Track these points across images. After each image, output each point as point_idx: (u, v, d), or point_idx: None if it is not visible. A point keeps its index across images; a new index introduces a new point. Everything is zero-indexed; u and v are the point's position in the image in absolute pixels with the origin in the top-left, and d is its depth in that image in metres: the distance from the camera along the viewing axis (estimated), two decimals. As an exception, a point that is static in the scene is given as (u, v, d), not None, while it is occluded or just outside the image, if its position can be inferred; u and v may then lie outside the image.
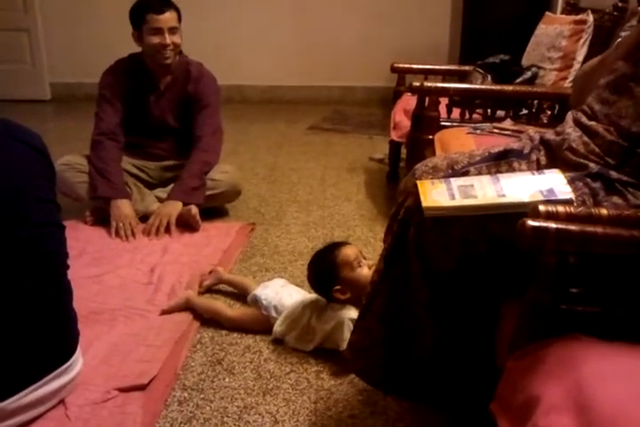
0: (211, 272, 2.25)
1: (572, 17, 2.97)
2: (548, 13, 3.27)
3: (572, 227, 0.98)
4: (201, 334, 1.93)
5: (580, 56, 2.78)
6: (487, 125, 2.40)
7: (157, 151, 2.91)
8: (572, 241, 0.98)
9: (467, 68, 3.24)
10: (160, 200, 2.76)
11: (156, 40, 2.68)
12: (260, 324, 1.93)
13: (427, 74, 3.35)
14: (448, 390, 1.43)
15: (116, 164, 2.74)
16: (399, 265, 1.33)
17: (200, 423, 1.54)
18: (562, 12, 3.40)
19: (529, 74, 2.88)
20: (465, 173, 1.39)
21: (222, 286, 2.21)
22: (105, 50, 3.95)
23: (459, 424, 1.51)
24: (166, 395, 1.63)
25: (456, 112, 2.60)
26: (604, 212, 1.03)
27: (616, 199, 1.22)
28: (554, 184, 1.18)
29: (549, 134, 1.44)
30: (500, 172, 1.38)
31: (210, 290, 2.20)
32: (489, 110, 2.57)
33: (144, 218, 2.68)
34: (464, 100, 2.63)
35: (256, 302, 1.96)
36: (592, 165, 1.28)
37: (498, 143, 1.56)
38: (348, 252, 1.85)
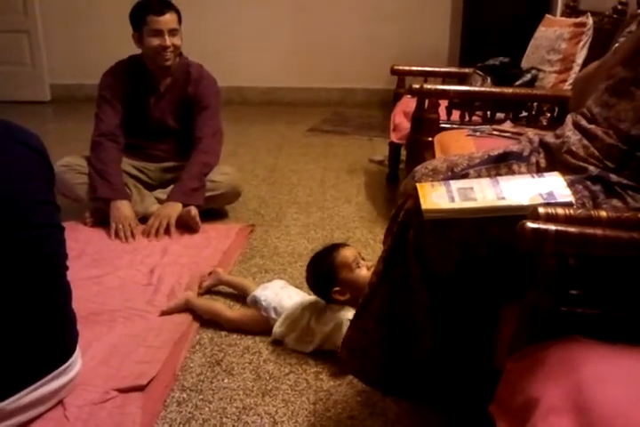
0: (210, 273, 2.25)
1: (571, 19, 2.97)
2: (547, 16, 3.28)
3: (572, 229, 0.98)
4: (200, 335, 1.93)
5: (580, 59, 2.79)
6: (487, 128, 2.40)
7: (157, 153, 2.91)
8: (572, 243, 0.99)
9: (466, 70, 3.25)
10: (160, 201, 2.76)
11: (156, 42, 2.68)
12: (259, 325, 1.93)
13: (426, 76, 3.36)
14: (447, 392, 1.43)
15: (115, 165, 2.74)
16: (399, 267, 1.33)
17: (199, 424, 1.54)
18: (562, 15, 3.40)
19: (528, 76, 2.88)
20: (464, 176, 1.39)
21: (222, 288, 2.21)
22: (105, 51, 3.96)
23: (458, 426, 1.51)
24: (165, 396, 1.63)
25: (456, 114, 2.60)
26: (603, 214, 1.03)
27: (615, 202, 1.23)
28: (554, 187, 1.18)
29: (549, 137, 1.45)
30: (500, 174, 1.38)
31: (209, 291, 2.20)
32: (489, 113, 2.58)
33: (144, 219, 2.68)
34: (464, 103, 2.63)
35: (255, 304, 1.97)
36: (592, 168, 1.29)
37: (497, 146, 1.56)
38: (347, 253, 1.85)
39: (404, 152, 3.09)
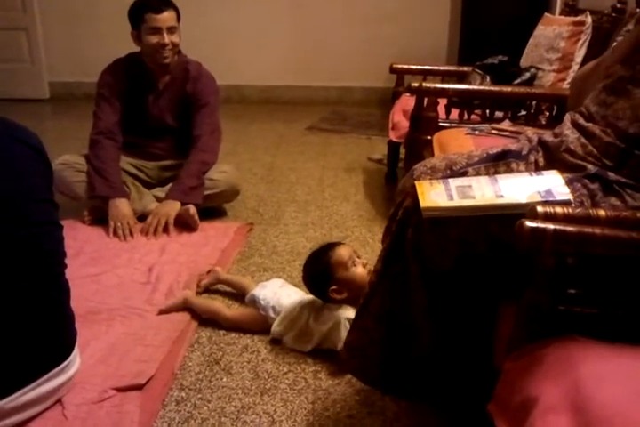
0: (209, 272, 2.25)
1: (570, 18, 2.97)
2: (546, 14, 3.27)
3: (570, 228, 0.98)
4: (199, 334, 1.93)
5: (579, 57, 2.78)
6: (486, 126, 2.40)
7: (156, 151, 2.91)
8: (570, 242, 0.98)
9: (465, 68, 3.24)
10: (158, 200, 2.75)
11: (154, 40, 2.68)
12: (257, 324, 1.93)
13: (425, 74, 3.35)
14: (446, 391, 1.43)
15: (114, 163, 2.74)
16: (397, 265, 1.33)
17: (197, 423, 1.54)
18: (560, 14, 3.40)
19: (527, 75, 2.88)
20: (463, 174, 1.39)
21: (220, 286, 2.21)
22: (104, 49, 3.95)
23: (456, 425, 1.51)
24: (164, 395, 1.63)
25: (455, 113, 2.60)
26: (602, 213, 1.03)
27: (614, 201, 1.23)
28: (552, 185, 1.18)
29: (547, 136, 1.45)
30: (499, 172, 1.38)
31: (208, 290, 2.19)
32: (487, 111, 2.58)
33: (142, 217, 2.68)
34: (463, 101, 2.63)
35: (254, 302, 1.96)
36: (590, 166, 1.29)
37: (496, 144, 1.56)
38: (342, 252, 1.85)
39: (402, 151, 3.09)
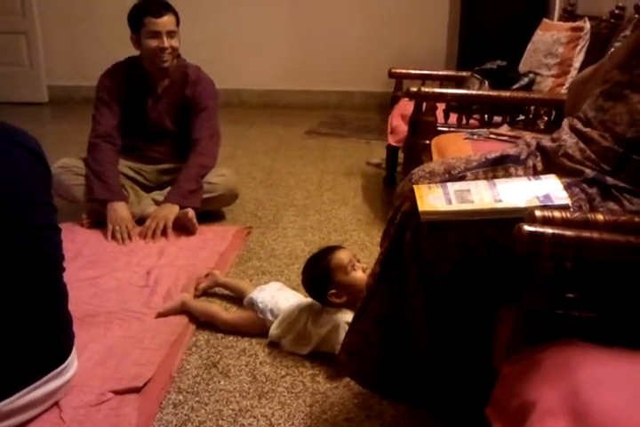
0: (207, 275, 2.25)
1: (569, 24, 2.98)
2: (545, 20, 3.29)
3: (569, 232, 0.98)
4: (196, 337, 1.93)
5: (577, 63, 2.79)
6: (484, 131, 2.41)
7: (154, 154, 2.91)
8: (569, 246, 0.99)
9: (464, 73, 3.25)
10: (157, 203, 2.76)
11: (154, 43, 2.68)
12: (255, 327, 1.93)
13: (424, 79, 3.36)
14: (444, 394, 1.43)
15: (112, 166, 2.74)
16: (396, 269, 1.33)
17: (195, 426, 1.54)
18: (559, 19, 3.41)
19: (526, 80, 2.89)
20: (462, 178, 1.39)
21: (218, 290, 2.21)
22: (103, 53, 3.96)
23: (454, 429, 1.51)
24: (161, 398, 1.63)
25: (453, 117, 2.61)
26: (600, 217, 1.03)
27: (612, 205, 1.23)
28: (550, 190, 1.19)
29: (546, 141, 1.45)
30: (497, 177, 1.38)
31: (206, 293, 2.19)
32: (486, 116, 2.58)
33: (140, 221, 2.68)
34: (461, 106, 2.64)
35: (252, 306, 1.96)
36: (588, 170, 1.29)
37: (495, 149, 1.56)
38: (342, 255, 1.85)
39: (401, 155, 3.10)
